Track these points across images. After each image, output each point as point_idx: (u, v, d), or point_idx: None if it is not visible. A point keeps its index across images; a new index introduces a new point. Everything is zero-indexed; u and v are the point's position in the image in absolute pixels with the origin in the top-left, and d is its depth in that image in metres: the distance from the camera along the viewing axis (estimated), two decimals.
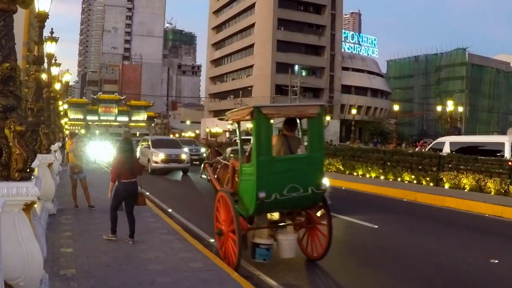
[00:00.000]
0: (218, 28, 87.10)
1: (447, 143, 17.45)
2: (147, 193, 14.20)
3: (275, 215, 7.63)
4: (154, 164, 22.04)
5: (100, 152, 28.70)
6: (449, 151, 16.61)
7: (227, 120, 7.81)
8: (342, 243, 8.50)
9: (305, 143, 6.99)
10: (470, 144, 16.94)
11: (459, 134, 34.53)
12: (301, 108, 7.44)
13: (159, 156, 22.06)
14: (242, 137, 8.03)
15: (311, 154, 6.82)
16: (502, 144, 15.13)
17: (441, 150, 17.29)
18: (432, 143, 20.37)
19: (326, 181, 9.03)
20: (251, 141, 7.21)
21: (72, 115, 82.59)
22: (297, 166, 6.80)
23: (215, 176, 9.08)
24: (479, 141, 18.09)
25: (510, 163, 13.75)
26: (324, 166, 7.16)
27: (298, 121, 7.44)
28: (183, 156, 22.72)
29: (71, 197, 11.27)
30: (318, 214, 7.42)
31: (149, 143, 23.58)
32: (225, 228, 7.01)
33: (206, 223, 9.43)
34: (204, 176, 11.18)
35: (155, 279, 5.83)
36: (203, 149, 28.23)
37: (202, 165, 11.18)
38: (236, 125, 7.70)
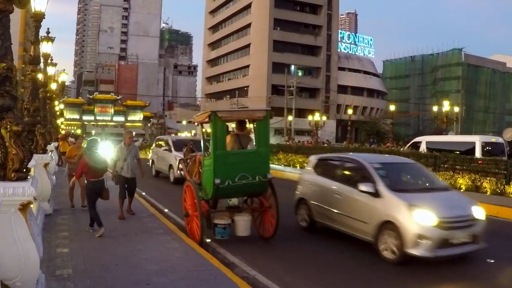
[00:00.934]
0: (214, 28, 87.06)
1: (423, 142, 18.78)
2: (143, 193, 14.21)
3: (234, 201, 9.21)
4: (179, 172, 15.69)
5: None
6: (425, 149, 17.85)
7: (194, 122, 9.06)
8: (338, 242, 8.52)
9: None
10: (445, 144, 18.13)
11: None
12: (250, 112, 9.25)
13: None
14: None
15: (258, 149, 8.34)
16: (473, 143, 15.71)
17: (418, 147, 18.56)
18: (410, 142, 21.52)
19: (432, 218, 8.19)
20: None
21: (68, 115, 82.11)
22: (246, 158, 8.32)
23: (188, 169, 9.95)
24: (452, 140, 19.26)
25: (480, 162, 14.24)
26: (269, 159, 8.62)
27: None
28: None
29: (67, 197, 11.25)
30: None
31: (170, 144, 19.08)
32: (191, 210, 8.48)
33: None
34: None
35: (152, 279, 5.84)
36: None
37: (178, 161, 12.04)
38: (200, 126, 9.03)
